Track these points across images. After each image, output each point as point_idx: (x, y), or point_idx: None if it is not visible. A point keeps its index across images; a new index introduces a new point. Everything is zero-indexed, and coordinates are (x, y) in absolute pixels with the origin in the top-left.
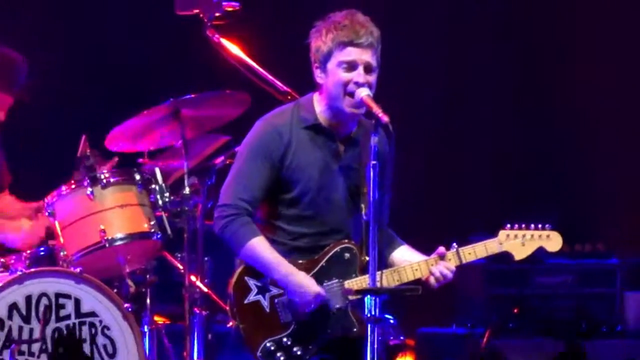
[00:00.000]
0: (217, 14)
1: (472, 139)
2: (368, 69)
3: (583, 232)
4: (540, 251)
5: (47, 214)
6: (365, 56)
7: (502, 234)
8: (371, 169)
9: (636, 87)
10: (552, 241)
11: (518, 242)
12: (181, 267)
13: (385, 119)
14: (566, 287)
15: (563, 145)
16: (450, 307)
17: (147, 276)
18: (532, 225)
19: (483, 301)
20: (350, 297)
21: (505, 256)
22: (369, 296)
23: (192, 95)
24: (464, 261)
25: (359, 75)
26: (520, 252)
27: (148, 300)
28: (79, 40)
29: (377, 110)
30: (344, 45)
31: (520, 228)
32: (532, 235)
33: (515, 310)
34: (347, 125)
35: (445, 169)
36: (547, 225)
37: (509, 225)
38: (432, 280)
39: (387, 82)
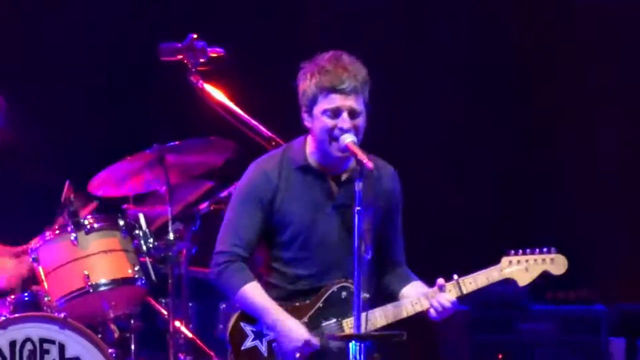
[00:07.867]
0: (201, 60)
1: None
2: (353, 114)
3: (567, 279)
4: (524, 297)
5: (31, 259)
6: (349, 102)
7: (505, 260)
8: (356, 215)
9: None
10: (557, 264)
11: (521, 267)
12: (166, 312)
13: (369, 165)
14: (550, 333)
15: (548, 195)
16: (433, 353)
17: (132, 322)
18: (537, 250)
19: (467, 347)
20: (335, 343)
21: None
22: (353, 342)
23: (177, 142)
24: (464, 291)
25: (343, 121)
26: (524, 278)
27: (133, 346)
28: (62, 84)
29: (361, 156)
30: (327, 91)
31: (524, 253)
32: (535, 260)
33: (500, 357)
34: (339, 165)
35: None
36: (552, 249)
37: (512, 252)
38: (432, 312)
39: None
